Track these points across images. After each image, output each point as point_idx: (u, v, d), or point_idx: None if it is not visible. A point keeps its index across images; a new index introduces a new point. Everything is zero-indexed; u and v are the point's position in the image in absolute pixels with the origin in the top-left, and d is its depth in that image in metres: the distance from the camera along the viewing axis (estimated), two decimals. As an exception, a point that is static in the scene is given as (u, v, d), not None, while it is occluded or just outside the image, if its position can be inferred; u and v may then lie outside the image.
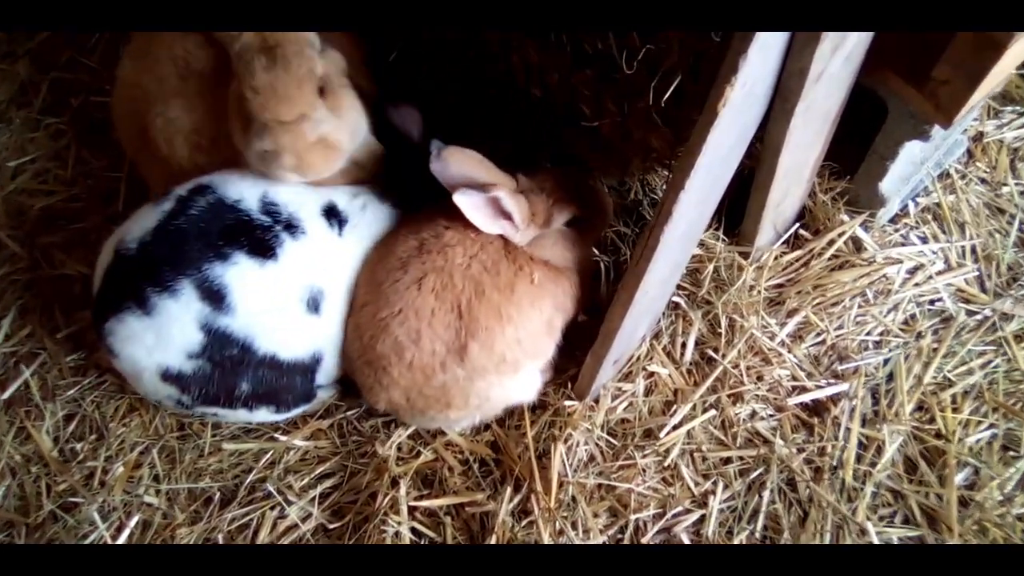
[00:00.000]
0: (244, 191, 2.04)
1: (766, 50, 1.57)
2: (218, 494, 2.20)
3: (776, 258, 2.42)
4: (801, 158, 2.10)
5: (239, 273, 1.96)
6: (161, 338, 1.94)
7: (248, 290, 1.96)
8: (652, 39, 1.69)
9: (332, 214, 2.12)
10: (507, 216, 1.96)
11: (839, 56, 1.78)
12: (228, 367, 1.99)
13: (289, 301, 2.02)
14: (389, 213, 2.20)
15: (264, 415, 2.16)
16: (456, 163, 1.91)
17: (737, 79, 1.52)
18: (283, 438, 2.26)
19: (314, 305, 2.05)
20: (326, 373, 2.18)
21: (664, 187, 2.35)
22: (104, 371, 2.35)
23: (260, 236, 1.99)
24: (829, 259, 2.43)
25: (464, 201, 1.86)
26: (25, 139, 2.84)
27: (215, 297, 1.94)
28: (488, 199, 1.89)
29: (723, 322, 2.31)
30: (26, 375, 2.38)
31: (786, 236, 2.44)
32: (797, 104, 1.78)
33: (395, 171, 2.21)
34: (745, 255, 2.38)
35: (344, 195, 2.17)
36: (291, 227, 2.03)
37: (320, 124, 1.91)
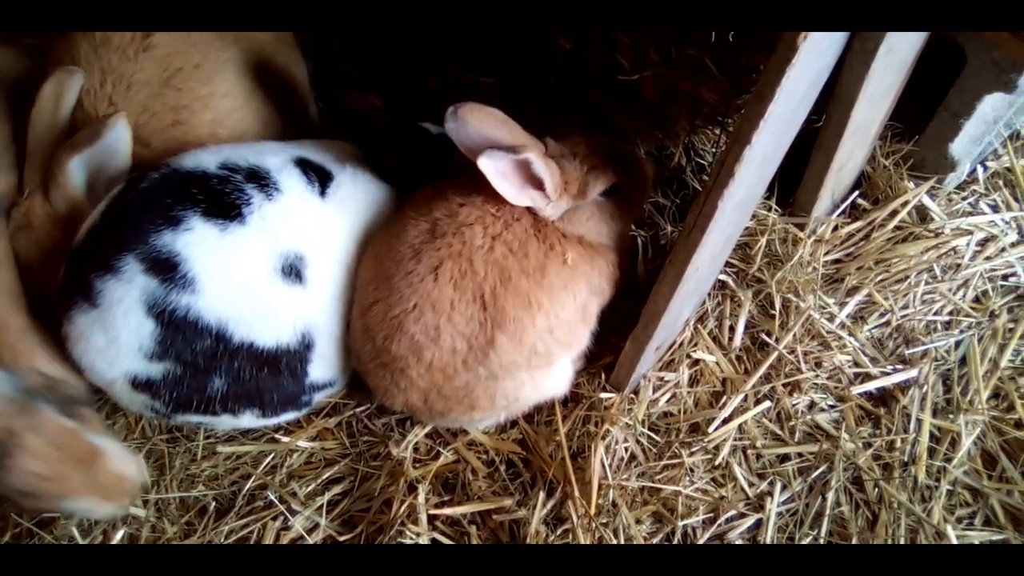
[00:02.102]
0: (203, 158, 1.80)
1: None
2: (213, 503, 1.95)
3: (834, 230, 2.17)
4: (872, 113, 1.85)
5: (195, 240, 1.67)
6: (109, 332, 1.67)
7: (209, 261, 1.68)
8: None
9: (307, 167, 1.86)
10: (537, 185, 1.70)
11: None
12: (200, 363, 1.71)
13: (260, 271, 1.74)
14: (382, 187, 1.96)
15: (249, 420, 1.89)
16: (476, 121, 1.64)
17: (822, 9, 1.26)
18: (285, 439, 2.02)
19: (294, 273, 1.77)
20: (322, 364, 1.88)
21: (716, 148, 2.09)
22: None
23: (218, 190, 1.72)
24: (892, 231, 2.18)
25: (490, 165, 1.60)
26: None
27: (164, 269, 1.65)
28: (517, 162, 1.63)
29: (777, 302, 2.06)
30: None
31: (844, 206, 2.18)
32: (880, 45, 1.51)
33: (377, 155, 2.00)
34: (801, 227, 2.13)
35: (319, 153, 1.93)
36: (258, 179, 1.77)
37: None
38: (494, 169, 1.61)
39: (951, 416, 1.96)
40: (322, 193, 1.85)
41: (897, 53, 1.63)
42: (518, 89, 2.31)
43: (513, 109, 1.72)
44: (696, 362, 2.05)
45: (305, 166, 1.86)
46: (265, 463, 2.00)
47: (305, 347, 1.82)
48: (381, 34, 2.40)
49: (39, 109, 1.84)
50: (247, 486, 1.96)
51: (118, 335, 1.67)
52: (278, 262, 1.75)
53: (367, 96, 2.03)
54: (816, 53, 1.39)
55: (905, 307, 2.12)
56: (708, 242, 1.66)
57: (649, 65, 1.77)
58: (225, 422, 1.87)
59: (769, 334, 2.06)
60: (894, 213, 2.18)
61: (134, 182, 1.76)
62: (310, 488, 1.95)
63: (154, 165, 1.81)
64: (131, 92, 1.91)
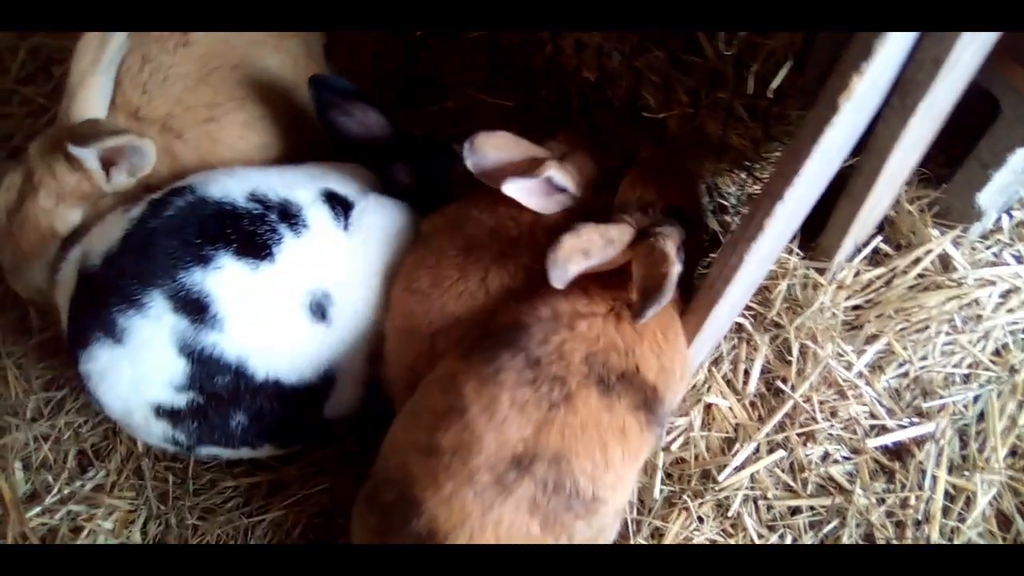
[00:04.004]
0: (230, 187, 1.74)
1: (905, 33, 1.26)
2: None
3: (855, 275, 2.11)
4: (904, 163, 1.80)
5: (225, 279, 1.64)
6: (139, 369, 1.62)
7: (238, 300, 1.65)
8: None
9: (334, 200, 1.82)
10: (561, 189, 1.70)
11: (974, 43, 1.46)
12: (222, 398, 1.68)
13: (287, 310, 1.71)
14: (401, 210, 1.91)
15: (267, 451, 1.86)
16: (492, 149, 1.64)
17: (868, 66, 1.21)
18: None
19: (320, 311, 1.74)
20: (338, 402, 1.84)
21: (741, 192, 2.03)
22: (80, 390, 2.04)
23: (251, 230, 1.68)
24: (914, 278, 2.12)
25: (516, 189, 1.60)
26: (-3, 113, 2.52)
27: (194, 309, 1.62)
28: (539, 182, 1.63)
29: (795, 349, 2.01)
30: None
31: (866, 251, 2.13)
32: (920, 100, 1.46)
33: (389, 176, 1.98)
34: (822, 271, 2.07)
35: (342, 182, 1.89)
36: (289, 217, 1.72)
37: None
38: (522, 191, 1.62)
39: (967, 474, 1.91)
40: (346, 227, 1.80)
41: (936, 107, 1.57)
42: (537, 115, 2.25)
43: (529, 131, 1.72)
44: (709, 406, 1.99)
45: (332, 199, 1.81)
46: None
47: (327, 384, 1.79)
48: (400, 53, 2.36)
49: (82, 49, 1.79)
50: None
51: (147, 372, 1.63)
52: (305, 300, 1.72)
53: (367, 114, 1.96)
54: (856, 110, 1.33)
55: (924, 358, 2.06)
56: (731, 293, 1.61)
57: (677, 104, 1.71)
58: (243, 453, 1.83)
59: (785, 380, 2.00)
60: (917, 261, 2.12)
61: (156, 207, 1.69)
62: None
63: (175, 181, 1.78)
64: (167, 83, 1.88)
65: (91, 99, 1.80)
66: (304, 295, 1.72)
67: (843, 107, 1.25)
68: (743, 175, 1.88)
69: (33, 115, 2.50)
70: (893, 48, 1.24)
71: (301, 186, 1.81)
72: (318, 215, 1.77)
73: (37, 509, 1.92)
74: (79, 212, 1.83)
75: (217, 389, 1.66)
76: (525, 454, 1.41)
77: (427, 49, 2.46)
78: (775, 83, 1.39)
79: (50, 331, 2.11)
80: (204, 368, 1.63)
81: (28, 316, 2.15)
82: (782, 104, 1.49)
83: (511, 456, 1.41)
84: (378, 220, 1.85)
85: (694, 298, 1.65)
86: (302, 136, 2.06)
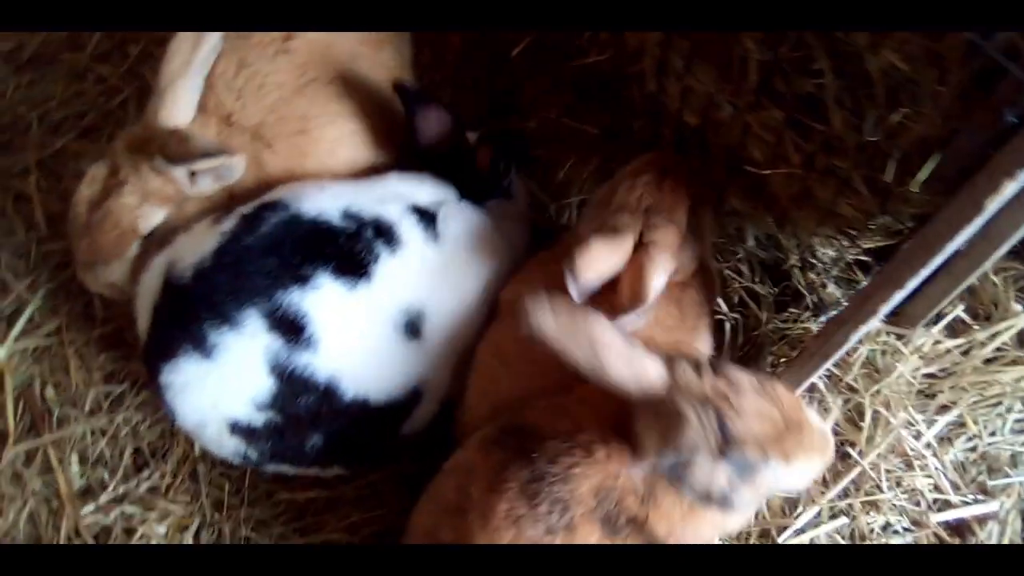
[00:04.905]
0: (324, 204, 1.71)
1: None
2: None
3: (934, 344, 2.07)
4: (1009, 245, 1.74)
5: (322, 299, 1.62)
6: (225, 385, 1.60)
7: (334, 320, 1.63)
8: (903, 97, 1.32)
9: (421, 214, 1.78)
10: None
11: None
12: (302, 418, 1.65)
13: (382, 329, 1.68)
14: (475, 213, 1.88)
15: (336, 471, 1.83)
16: (592, 272, 1.53)
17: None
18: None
19: (413, 329, 1.71)
20: (417, 419, 1.81)
21: (839, 257, 1.97)
22: (141, 386, 2.02)
23: (348, 248, 1.66)
24: (992, 352, 2.08)
25: (636, 321, 1.51)
26: (72, 91, 2.45)
27: (290, 330, 1.60)
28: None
29: (867, 416, 1.97)
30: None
31: (947, 320, 2.09)
32: (1052, 196, 1.41)
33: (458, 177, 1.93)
34: (901, 337, 2.03)
35: (422, 193, 1.85)
36: (384, 234, 1.70)
37: None
38: (634, 322, 1.52)
39: (1028, 557, 1.88)
40: (435, 239, 1.77)
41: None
42: (620, 144, 2.20)
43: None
44: (774, 465, 1.96)
45: (420, 213, 1.78)
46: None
47: (412, 403, 1.76)
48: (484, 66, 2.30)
49: (173, 50, 1.75)
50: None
51: (233, 388, 1.61)
52: (400, 319, 1.69)
53: (435, 114, 1.92)
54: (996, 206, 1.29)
55: (993, 433, 2.03)
56: (825, 365, 1.58)
57: (785, 164, 1.66)
58: (310, 472, 1.81)
59: (853, 445, 1.97)
60: (996, 335, 2.08)
61: (250, 222, 1.66)
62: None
63: (260, 190, 1.76)
64: (262, 91, 1.83)
65: (180, 102, 1.76)
66: (399, 314, 1.69)
67: (988, 208, 1.21)
68: (844, 241, 1.83)
69: (107, 94, 2.45)
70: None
71: (390, 201, 1.78)
72: (410, 230, 1.74)
73: (91, 507, 1.90)
74: (163, 213, 1.80)
75: (299, 410, 1.63)
76: None
77: (508, 62, 2.40)
78: (921, 175, 1.34)
79: (114, 323, 2.08)
80: (291, 388, 1.61)
81: (92, 306, 2.12)
82: (903, 178, 1.43)
83: None
84: (463, 228, 1.82)
85: (787, 369, 1.61)
86: (387, 152, 2.02)
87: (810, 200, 1.71)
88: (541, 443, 1.39)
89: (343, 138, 1.91)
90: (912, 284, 1.35)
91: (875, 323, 1.43)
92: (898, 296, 1.38)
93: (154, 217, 1.79)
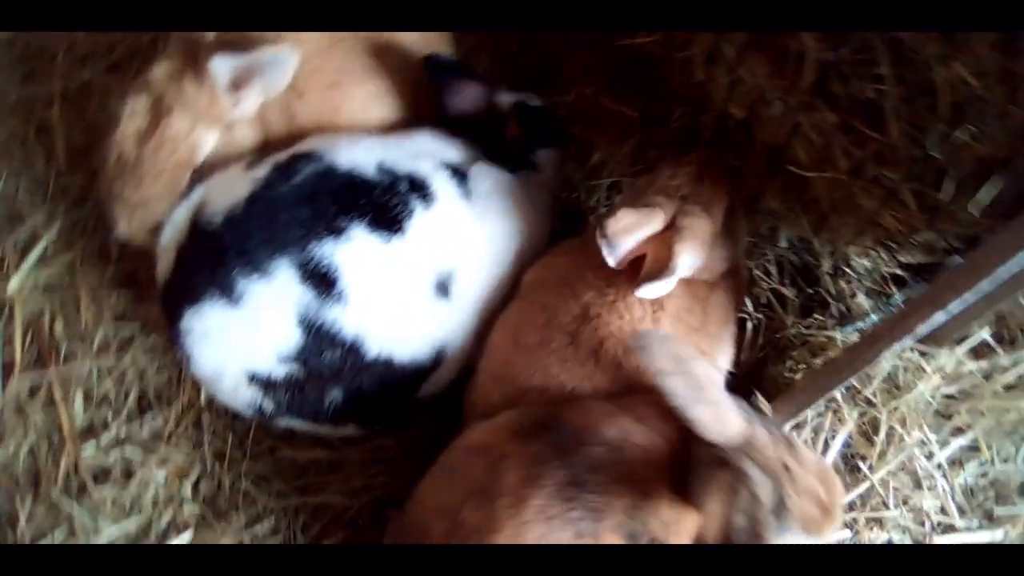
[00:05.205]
0: (358, 157, 1.68)
1: None
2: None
3: (957, 364, 2.03)
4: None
5: (356, 253, 1.59)
6: (249, 334, 1.58)
7: (365, 274, 1.60)
8: (969, 114, 1.27)
9: (456, 172, 1.76)
10: None
11: None
12: (324, 373, 1.63)
13: (413, 287, 1.66)
14: (505, 175, 1.86)
15: (349, 431, 1.80)
16: (624, 235, 1.53)
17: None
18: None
19: (443, 288, 1.70)
20: (436, 381, 1.79)
21: (875, 269, 1.93)
22: (153, 328, 1.99)
23: (383, 202, 1.63)
24: (1014, 378, 2.05)
25: (652, 291, 1.53)
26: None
27: (322, 282, 1.57)
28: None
29: (882, 431, 1.94)
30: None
31: (972, 342, 2.05)
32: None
33: (487, 145, 1.91)
34: (925, 354, 2.00)
35: (453, 152, 1.83)
36: (419, 189, 1.67)
37: None
38: (655, 292, 1.54)
39: (1027, 588, 1.86)
40: (468, 196, 1.75)
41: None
42: (658, 131, 2.15)
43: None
44: (781, 471, 1.94)
45: (452, 170, 1.75)
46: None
47: (434, 364, 1.74)
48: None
49: None
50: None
51: (258, 338, 1.59)
52: (431, 277, 1.67)
53: (468, 89, 1.91)
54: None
55: (1006, 460, 2.01)
56: (850, 378, 1.55)
57: (832, 169, 1.61)
58: (323, 430, 1.78)
59: (864, 459, 1.95)
60: (1019, 361, 2.05)
61: (283, 172, 1.63)
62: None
63: (290, 141, 1.72)
64: (298, 39, 1.77)
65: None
66: (431, 272, 1.68)
67: (1046, 236, 1.17)
68: (882, 253, 1.79)
69: (137, 29, 2.39)
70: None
71: (422, 157, 1.75)
72: (443, 186, 1.72)
73: (92, 445, 1.88)
74: (214, 137, 1.75)
75: (322, 364, 1.61)
76: None
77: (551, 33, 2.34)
78: (982, 198, 1.29)
79: (128, 263, 2.04)
80: (318, 342, 1.59)
81: (107, 244, 2.07)
82: (959, 203, 1.39)
83: None
84: (494, 187, 1.80)
85: (808, 377, 1.58)
86: (418, 112, 1.97)
87: (853, 208, 1.66)
88: (582, 447, 1.39)
89: (376, 96, 1.87)
90: (956, 308, 1.31)
91: (909, 342, 1.39)
92: (939, 318, 1.35)
93: (208, 142, 1.74)
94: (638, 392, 1.57)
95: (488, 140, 1.91)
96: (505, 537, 1.33)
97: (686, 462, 1.36)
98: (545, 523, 1.33)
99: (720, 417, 1.31)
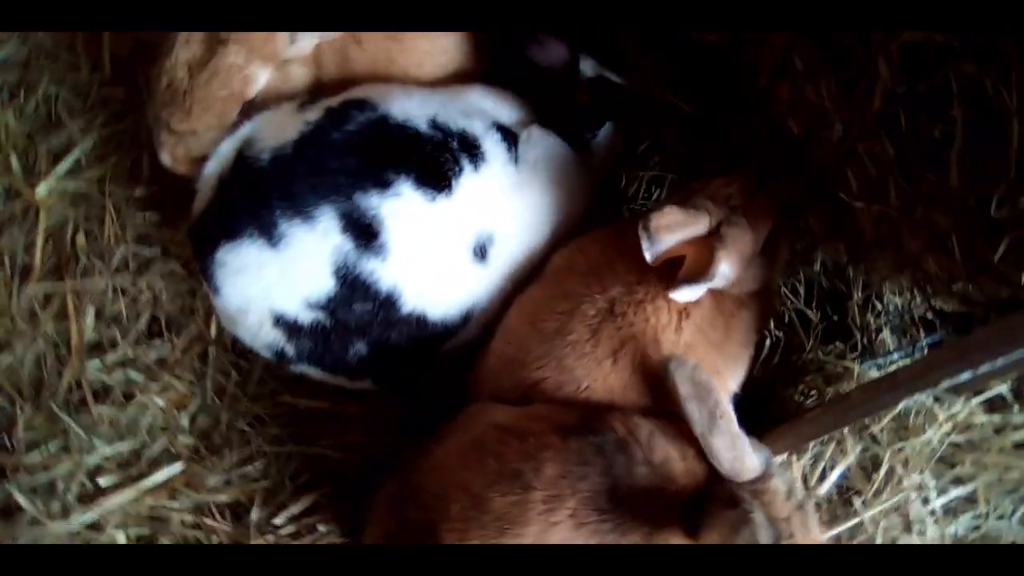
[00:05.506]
0: (411, 110, 1.65)
1: None
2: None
3: (970, 414, 2.00)
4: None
5: (400, 207, 1.58)
6: (284, 277, 1.57)
7: (408, 230, 1.59)
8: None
9: (507, 135, 1.74)
10: None
11: None
12: (352, 325, 1.62)
13: (454, 247, 1.66)
14: (557, 141, 1.82)
15: (364, 385, 1.80)
16: (666, 232, 1.50)
17: None
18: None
19: (482, 252, 1.69)
20: (458, 341, 1.78)
21: (907, 311, 1.89)
22: (170, 256, 1.98)
23: (433, 158, 1.61)
24: (1025, 436, 2.02)
25: (687, 295, 1.52)
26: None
27: (363, 234, 1.56)
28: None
29: (883, 469, 1.92)
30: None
31: (989, 393, 2.02)
32: None
33: (549, 108, 1.88)
34: (939, 400, 1.97)
35: (506, 112, 1.82)
36: (469, 148, 1.66)
37: None
38: (690, 295, 1.54)
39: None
40: (515, 161, 1.73)
41: None
42: (710, 134, 2.10)
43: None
44: (775, 494, 1.93)
45: (503, 132, 1.73)
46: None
47: (461, 325, 1.74)
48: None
49: None
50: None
51: (291, 282, 1.58)
52: (472, 241, 1.66)
53: (551, 45, 1.88)
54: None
55: (1001, 517, 1.99)
56: (863, 419, 1.52)
57: (882, 204, 1.56)
58: (338, 380, 1.78)
59: (859, 494, 1.93)
60: (1032, 421, 2.02)
61: (335, 117, 1.61)
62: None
63: (343, 86, 1.71)
64: None
65: None
66: (472, 234, 1.66)
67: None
68: (917, 294, 1.74)
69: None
70: None
71: (475, 115, 1.73)
72: (493, 148, 1.70)
73: (97, 362, 1.88)
74: (268, 73, 1.72)
75: (351, 316, 1.61)
76: None
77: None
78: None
79: (158, 186, 2.02)
80: (351, 293, 1.58)
81: (140, 163, 2.05)
82: (1009, 264, 1.34)
83: None
84: (543, 153, 1.77)
85: (825, 410, 1.55)
86: (472, 71, 1.93)
87: (896, 245, 1.61)
88: (627, 461, 1.38)
89: (433, 54, 1.83)
90: (984, 369, 1.28)
91: (929, 394, 1.36)
92: (965, 376, 1.31)
93: (261, 78, 1.71)
94: (646, 404, 1.56)
95: (552, 104, 1.88)
96: (532, 533, 1.32)
97: (701, 501, 1.35)
98: (574, 529, 1.32)
99: (736, 452, 1.33)
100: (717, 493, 1.36)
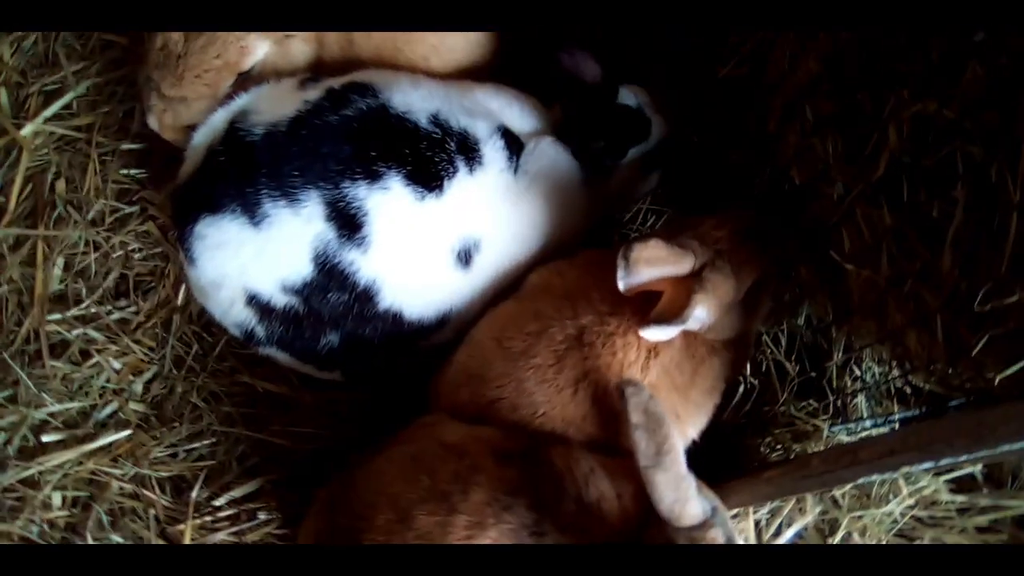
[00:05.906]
0: (414, 102, 1.61)
1: None
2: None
3: (936, 491, 1.96)
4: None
5: (388, 202, 1.54)
6: (262, 257, 1.53)
7: (393, 226, 1.55)
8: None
9: (509, 139, 1.69)
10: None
11: None
12: (324, 315, 1.58)
13: (438, 250, 1.62)
14: (564, 156, 1.76)
15: (334, 376, 1.77)
16: (645, 265, 1.44)
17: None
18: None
19: (466, 258, 1.65)
20: (430, 343, 1.75)
21: (885, 381, 1.83)
22: (147, 218, 1.93)
23: (427, 156, 1.57)
24: (987, 522, 1.96)
25: (657, 334, 1.45)
26: None
27: (347, 224, 1.52)
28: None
29: (839, 535, 1.88)
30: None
31: (959, 472, 1.97)
32: None
33: (572, 120, 1.80)
34: (908, 475, 1.92)
35: (517, 117, 1.76)
36: (467, 151, 1.61)
37: None
38: (660, 335, 1.46)
39: None
40: (515, 170, 1.68)
41: None
42: (712, 169, 2.04)
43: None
44: (727, 543, 1.89)
45: (507, 138, 1.68)
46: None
47: (437, 328, 1.70)
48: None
49: None
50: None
51: (269, 262, 1.54)
52: (457, 245, 1.62)
53: (584, 59, 1.80)
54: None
55: (953, 599, 1.94)
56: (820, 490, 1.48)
57: (871, 269, 1.51)
58: (305, 369, 1.75)
59: (811, 556, 1.89)
60: (999, 508, 1.96)
61: (335, 100, 1.56)
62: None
63: (347, 69, 1.67)
64: None
65: None
66: (457, 239, 1.62)
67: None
68: (895, 367, 1.69)
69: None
70: None
71: (480, 116, 1.68)
72: (493, 153, 1.66)
73: (58, 316, 1.85)
74: (267, 46, 1.67)
75: (324, 306, 1.57)
76: None
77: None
78: (1011, 370, 1.20)
79: (146, 144, 1.98)
80: (327, 281, 1.55)
81: (131, 117, 2.01)
82: (988, 357, 1.29)
83: None
84: (547, 167, 1.72)
85: (783, 471, 1.51)
86: (481, 70, 1.88)
87: (881, 315, 1.56)
88: (556, 495, 1.34)
89: (439, 50, 1.77)
90: (947, 462, 1.23)
91: (889, 475, 1.31)
92: (927, 466, 1.26)
93: (260, 50, 1.66)
94: (602, 437, 1.51)
95: (575, 119, 1.81)
96: None
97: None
98: None
99: (680, 496, 1.25)
100: (651, 537, 1.31)
